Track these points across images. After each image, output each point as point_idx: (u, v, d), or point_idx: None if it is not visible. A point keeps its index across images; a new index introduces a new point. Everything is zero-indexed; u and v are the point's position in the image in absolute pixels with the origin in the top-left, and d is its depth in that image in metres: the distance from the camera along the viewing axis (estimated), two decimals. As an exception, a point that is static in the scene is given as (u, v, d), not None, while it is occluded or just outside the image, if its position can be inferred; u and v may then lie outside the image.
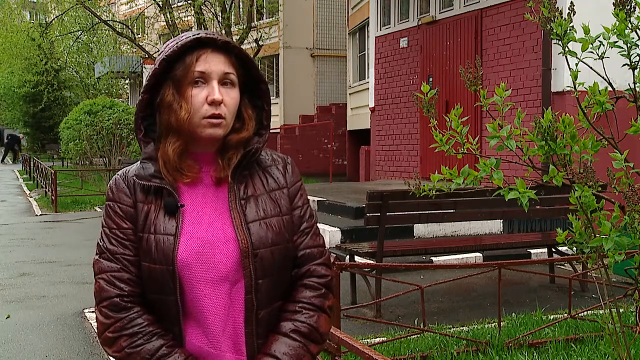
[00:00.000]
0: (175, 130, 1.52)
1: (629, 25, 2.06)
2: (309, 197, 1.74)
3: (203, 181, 1.57)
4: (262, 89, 1.61)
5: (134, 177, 1.56)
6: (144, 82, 1.54)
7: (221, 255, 1.51)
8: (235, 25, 19.44)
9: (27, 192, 19.05)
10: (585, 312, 4.83)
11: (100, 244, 1.55)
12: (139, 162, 1.59)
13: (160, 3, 17.71)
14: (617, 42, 2.08)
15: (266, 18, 22.79)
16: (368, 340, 4.64)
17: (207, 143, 1.56)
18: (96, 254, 1.56)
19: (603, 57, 2.11)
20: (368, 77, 14.74)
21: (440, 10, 11.61)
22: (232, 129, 1.56)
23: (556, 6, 2.11)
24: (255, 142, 1.59)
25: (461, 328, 5.02)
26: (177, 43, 1.50)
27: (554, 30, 2.09)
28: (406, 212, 5.93)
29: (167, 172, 1.53)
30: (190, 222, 1.52)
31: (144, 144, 1.56)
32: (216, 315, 1.51)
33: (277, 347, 1.52)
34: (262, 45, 17.59)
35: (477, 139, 2.37)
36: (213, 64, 1.50)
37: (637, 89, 2.15)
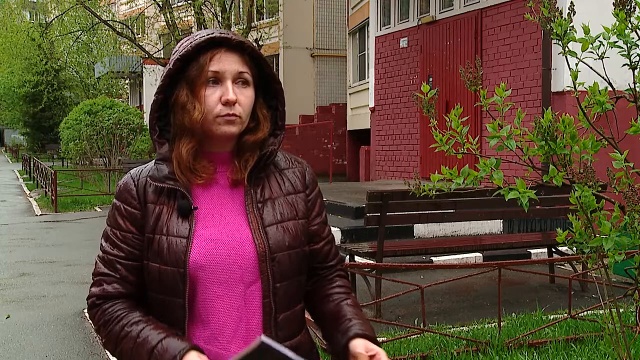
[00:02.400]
0: (189, 131, 1.51)
1: (629, 25, 2.06)
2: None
3: (218, 182, 1.56)
4: (276, 89, 1.60)
5: (147, 178, 1.55)
6: (159, 82, 1.53)
7: (236, 257, 1.50)
8: (235, 25, 19.44)
9: (27, 192, 19.04)
10: (585, 312, 4.83)
11: (101, 241, 1.57)
12: (153, 162, 1.58)
13: (160, 3, 17.71)
14: (617, 42, 2.08)
15: (266, 18, 22.79)
16: (368, 340, 4.63)
17: (222, 142, 1.55)
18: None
19: (603, 57, 2.11)
20: (368, 77, 14.74)
21: (440, 10, 11.61)
22: (247, 128, 1.55)
23: (556, 6, 2.11)
24: (271, 144, 1.58)
25: (461, 328, 5.02)
26: (191, 43, 1.50)
27: (554, 30, 2.09)
28: (406, 212, 5.93)
29: (180, 173, 1.52)
30: (203, 224, 1.51)
31: (158, 145, 1.56)
32: (229, 316, 1.50)
33: (362, 324, 1.55)
34: (262, 45, 17.59)
35: (477, 139, 2.37)
36: (227, 63, 1.50)
37: (637, 89, 2.15)
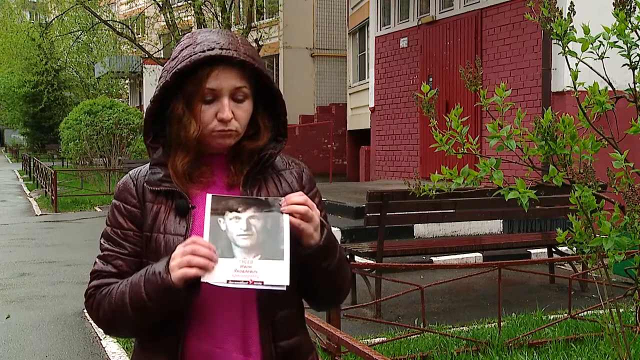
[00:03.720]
0: (184, 145, 1.51)
1: (629, 25, 2.06)
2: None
3: (216, 183, 1.57)
4: (279, 102, 1.58)
5: (144, 183, 1.56)
6: (155, 91, 1.52)
7: None
8: (235, 25, 19.44)
9: (27, 192, 19.04)
10: (585, 312, 4.84)
11: (101, 241, 1.57)
12: (148, 165, 1.58)
13: (160, 3, 17.72)
14: (617, 42, 2.08)
15: (266, 18, 22.79)
16: (368, 340, 4.64)
17: (219, 148, 1.55)
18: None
19: (603, 57, 2.11)
20: (368, 77, 14.74)
21: (440, 10, 11.61)
22: (246, 135, 1.55)
23: (556, 6, 2.11)
24: (271, 148, 1.58)
25: (461, 328, 5.02)
26: (191, 57, 1.46)
27: (554, 30, 2.09)
28: (406, 212, 5.93)
29: (177, 180, 1.53)
30: (200, 223, 1.50)
31: (152, 150, 1.56)
32: (225, 314, 1.50)
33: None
34: (262, 45, 17.59)
35: (477, 139, 2.37)
36: (224, 80, 1.47)
37: (637, 89, 2.15)
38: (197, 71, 1.47)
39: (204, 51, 1.46)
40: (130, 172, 1.61)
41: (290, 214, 1.42)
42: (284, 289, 1.40)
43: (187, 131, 1.49)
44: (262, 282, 1.38)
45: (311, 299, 1.62)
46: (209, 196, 1.40)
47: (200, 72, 1.47)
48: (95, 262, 1.56)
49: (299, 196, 1.44)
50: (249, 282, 1.38)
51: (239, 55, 1.47)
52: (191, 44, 1.50)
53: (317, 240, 1.46)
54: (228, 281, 1.37)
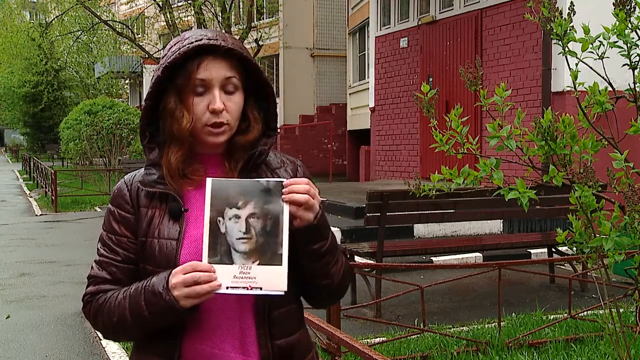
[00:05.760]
0: (178, 139, 1.51)
1: (629, 25, 2.06)
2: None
3: None
4: (267, 92, 1.59)
5: (139, 184, 1.56)
6: (148, 89, 1.53)
7: None
8: (235, 25, 19.44)
9: (27, 192, 19.04)
10: (585, 312, 4.84)
11: (98, 245, 1.58)
12: (143, 168, 1.59)
13: (160, 3, 17.72)
14: (617, 42, 2.08)
15: (266, 18, 22.79)
16: (368, 340, 4.64)
17: (212, 146, 1.55)
18: None
19: (603, 57, 2.10)
20: (368, 77, 14.75)
21: (440, 10, 11.62)
22: (238, 129, 1.55)
23: (556, 6, 2.11)
24: (262, 144, 1.58)
25: (461, 328, 5.02)
26: (180, 50, 1.48)
27: (554, 30, 2.09)
28: (406, 212, 5.93)
29: (171, 179, 1.53)
30: (195, 225, 1.51)
31: (148, 150, 1.56)
32: (222, 315, 1.50)
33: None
34: (262, 45, 17.60)
35: (477, 139, 2.36)
36: (214, 70, 1.49)
37: (637, 89, 2.15)
38: (187, 63, 1.48)
39: (192, 43, 1.48)
40: (125, 177, 1.62)
41: (291, 202, 1.43)
42: (282, 294, 1.43)
43: (180, 124, 1.49)
44: (261, 288, 1.41)
45: (307, 292, 1.62)
46: (208, 180, 1.41)
47: (190, 64, 1.48)
48: (92, 267, 1.57)
49: (302, 184, 1.44)
50: (247, 287, 1.41)
51: (226, 44, 1.49)
52: (180, 41, 1.53)
53: (310, 219, 1.46)
54: (227, 287, 1.41)
